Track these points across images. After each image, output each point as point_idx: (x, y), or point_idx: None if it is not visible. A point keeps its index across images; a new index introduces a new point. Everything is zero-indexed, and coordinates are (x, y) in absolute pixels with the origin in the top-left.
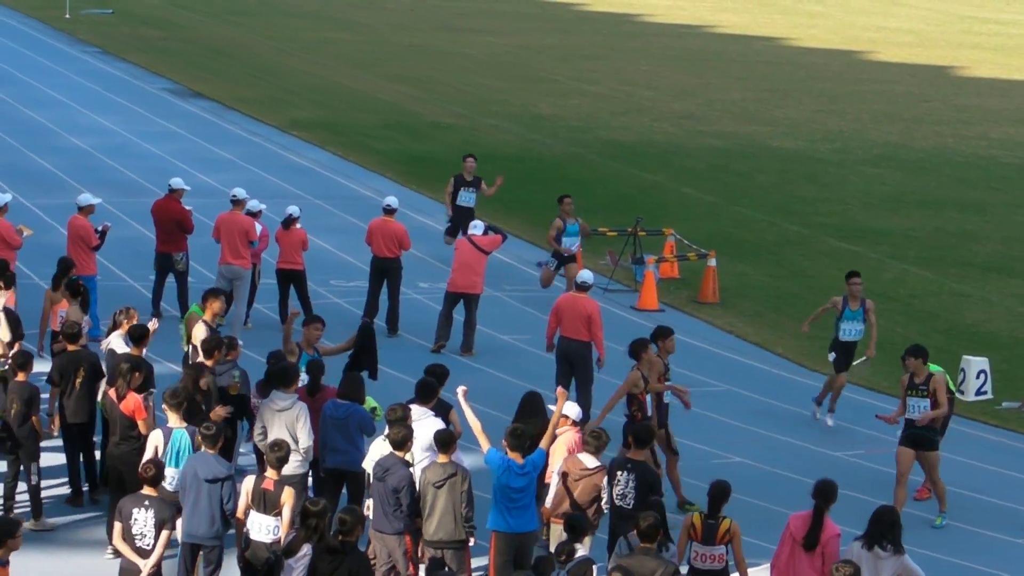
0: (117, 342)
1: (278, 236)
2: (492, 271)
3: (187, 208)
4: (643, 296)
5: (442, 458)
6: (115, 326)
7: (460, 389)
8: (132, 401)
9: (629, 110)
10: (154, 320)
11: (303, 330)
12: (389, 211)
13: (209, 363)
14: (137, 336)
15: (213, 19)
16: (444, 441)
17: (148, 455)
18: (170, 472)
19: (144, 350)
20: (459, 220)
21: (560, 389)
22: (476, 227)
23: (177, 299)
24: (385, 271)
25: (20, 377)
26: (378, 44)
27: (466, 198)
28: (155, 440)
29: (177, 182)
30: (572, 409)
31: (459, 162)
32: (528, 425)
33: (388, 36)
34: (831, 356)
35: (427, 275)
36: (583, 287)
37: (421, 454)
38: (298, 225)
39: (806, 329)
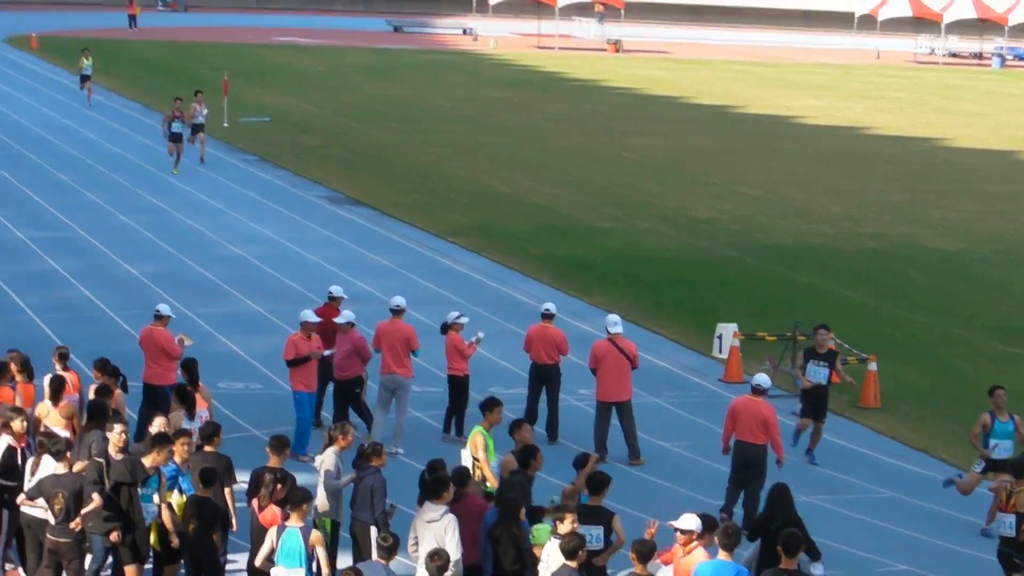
0: (331, 459)
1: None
2: (649, 377)
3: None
4: None
5: (639, 569)
6: (330, 441)
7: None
8: (270, 514)
9: (785, 212)
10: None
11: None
12: (548, 317)
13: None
14: (278, 447)
15: (369, 125)
16: (645, 553)
17: (264, 551)
18: (280, 571)
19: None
20: (812, 401)
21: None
22: (616, 324)
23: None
24: (544, 377)
25: (202, 492)
26: (533, 148)
27: (818, 374)
28: (270, 536)
29: (336, 290)
30: (692, 522)
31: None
32: (777, 515)
33: (543, 140)
34: None
35: (586, 381)
36: (759, 390)
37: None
38: (458, 331)
39: None
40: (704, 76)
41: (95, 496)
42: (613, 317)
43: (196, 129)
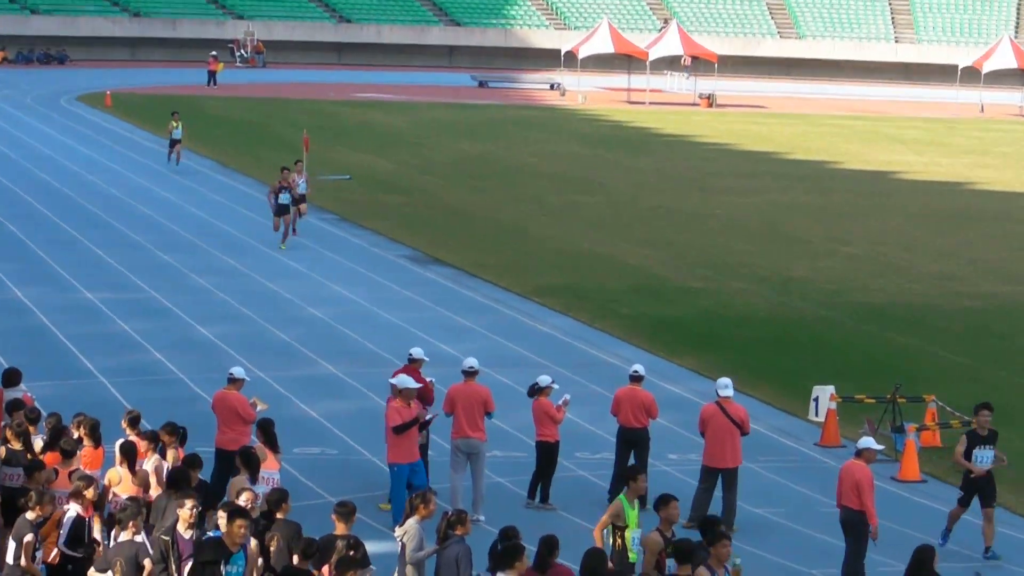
0: (413, 529)
1: (533, 407)
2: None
3: (428, 380)
4: (904, 466)
5: None
6: (412, 511)
7: None
8: None
9: (884, 271)
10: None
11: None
12: (636, 379)
13: None
14: (346, 513)
15: (452, 182)
16: None
17: None
18: None
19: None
20: (980, 487)
21: None
22: (726, 388)
23: None
24: (633, 441)
25: (300, 564)
26: (623, 206)
27: (982, 457)
28: None
29: (417, 352)
30: None
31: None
32: None
33: (633, 198)
34: None
35: (676, 446)
36: (856, 452)
37: None
38: (548, 396)
39: None
40: (800, 131)
41: (147, 563)
42: (724, 380)
43: (298, 200)
